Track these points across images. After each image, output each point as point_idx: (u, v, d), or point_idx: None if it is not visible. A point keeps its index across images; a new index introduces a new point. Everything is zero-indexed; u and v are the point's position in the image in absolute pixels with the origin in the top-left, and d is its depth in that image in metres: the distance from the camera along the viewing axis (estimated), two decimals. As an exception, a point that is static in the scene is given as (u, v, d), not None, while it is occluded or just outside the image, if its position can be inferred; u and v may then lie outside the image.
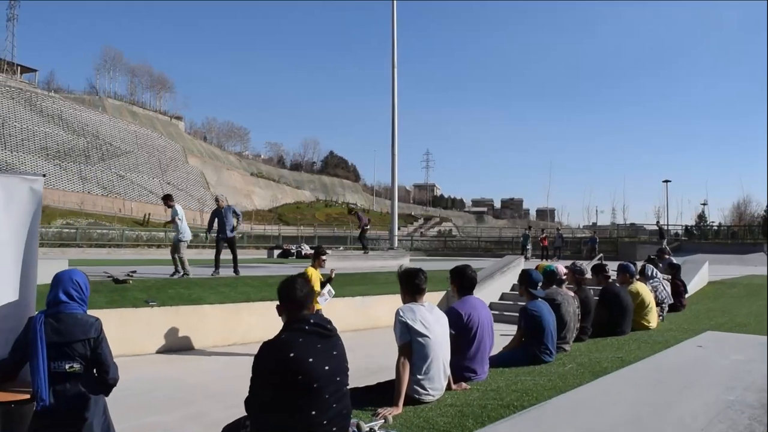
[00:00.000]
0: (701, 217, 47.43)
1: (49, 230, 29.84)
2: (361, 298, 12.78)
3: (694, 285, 12.33)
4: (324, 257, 9.78)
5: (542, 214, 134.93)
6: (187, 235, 12.86)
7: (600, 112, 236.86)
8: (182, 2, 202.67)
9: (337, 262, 19.34)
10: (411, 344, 3.92)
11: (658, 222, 39.11)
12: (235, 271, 13.74)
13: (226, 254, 13.98)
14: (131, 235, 31.70)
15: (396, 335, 4.01)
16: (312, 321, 3.10)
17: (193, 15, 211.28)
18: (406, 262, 21.17)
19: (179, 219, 12.73)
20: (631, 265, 7.65)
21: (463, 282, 4.73)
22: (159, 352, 9.74)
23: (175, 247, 12.95)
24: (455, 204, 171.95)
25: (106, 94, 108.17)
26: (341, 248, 37.22)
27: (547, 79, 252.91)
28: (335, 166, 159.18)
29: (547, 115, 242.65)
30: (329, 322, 3.22)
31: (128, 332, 9.55)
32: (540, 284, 5.37)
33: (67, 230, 31.54)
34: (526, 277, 5.42)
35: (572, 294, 6.44)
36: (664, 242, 30.02)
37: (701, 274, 12.90)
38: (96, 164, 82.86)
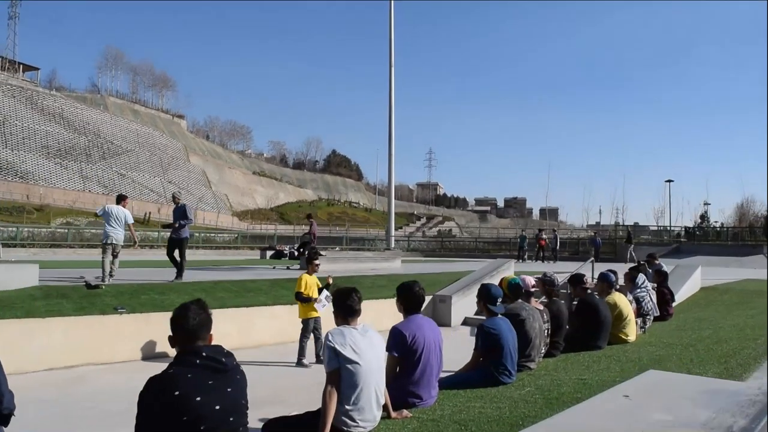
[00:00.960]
0: (703, 217, 46.82)
1: (42, 230, 29.61)
2: (342, 303, 12.39)
3: (685, 291, 11.95)
4: (317, 261, 9.48)
5: (545, 213, 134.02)
6: (106, 238, 12.43)
7: (601, 110, 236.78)
8: (184, 2, 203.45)
9: (325, 264, 18.96)
10: (339, 371, 3.59)
11: (627, 227, 38.38)
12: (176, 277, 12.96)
13: (212, 255, 13.65)
14: (126, 235, 31.37)
15: (324, 361, 3.68)
16: (204, 354, 2.76)
17: (194, 15, 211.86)
18: (398, 264, 20.85)
19: (102, 217, 12.50)
20: (611, 275, 7.26)
21: (409, 300, 4.40)
22: (128, 360, 9.41)
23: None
24: (458, 203, 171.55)
25: (108, 92, 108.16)
26: (337, 248, 36.91)
27: (549, 77, 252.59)
28: (338, 164, 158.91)
29: (550, 113, 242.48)
30: (227, 354, 2.88)
31: (96, 341, 9.24)
32: (500, 299, 5.01)
33: (60, 230, 31.23)
34: (484, 292, 5.07)
35: (542, 307, 6.09)
36: (631, 247, 29.45)
37: (693, 279, 12.50)
38: (97, 163, 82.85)
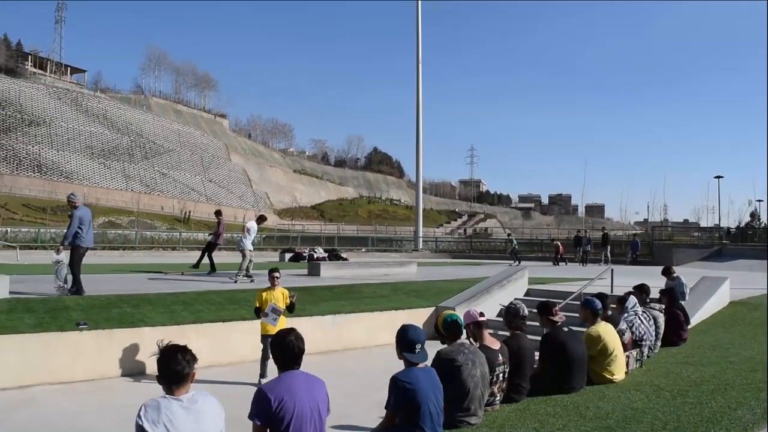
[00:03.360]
0: (753, 215, 43.91)
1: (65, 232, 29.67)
2: (332, 316, 11.63)
3: (710, 307, 10.62)
4: (276, 275, 8.94)
5: (591, 210, 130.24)
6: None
7: (645, 106, 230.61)
8: (225, 2, 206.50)
9: (334, 270, 18.22)
10: (147, 459, 2.74)
11: (603, 228, 36.95)
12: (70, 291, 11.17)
13: (234, 258, 12.55)
14: (147, 236, 31.38)
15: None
16: None
17: (236, 15, 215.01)
18: (413, 270, 19.87)
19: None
20: (596, 301, 6.15)
21: (281, 353, 3.51)
22: (87, 380, 8.85)
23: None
24: (501, 200, 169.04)
25: (151, 93, 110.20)
26: (363, 250, 36.09)
27: (596, 74, 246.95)
28: (379, 162, 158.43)
29: (594, 110, 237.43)
30: None
31: (51, 360, 8.72)
32: (419, 345, 4.05)
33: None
34: (399, 336, 4.12)
35: (498, 345, 5.10)
36: (607, 249, 28.14)
37: (720, 294, 11.11)
38: (139, 162, 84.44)
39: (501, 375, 5.00)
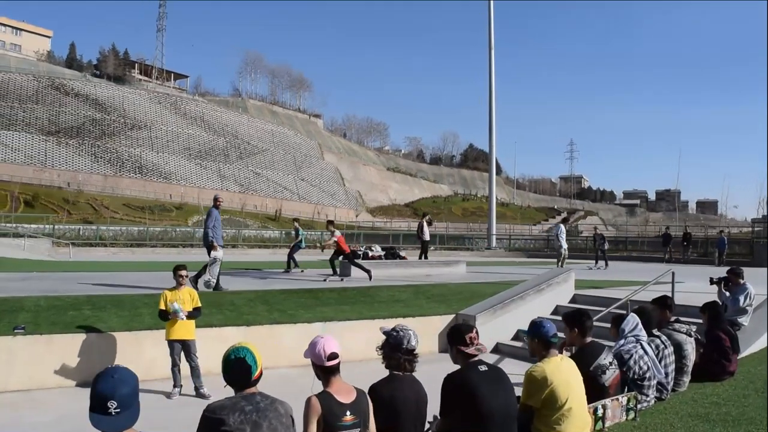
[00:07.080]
0: None
1: (133, 229, 30.23)
2: (323, 323, 10.11)
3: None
4: (182, 272, 8.01)
5: (704, 206, 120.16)
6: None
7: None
8: (319, 2, 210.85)
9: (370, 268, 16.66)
10: None
11: (686, 226, 33.11)
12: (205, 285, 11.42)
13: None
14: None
15: None
16: None
17: (329, 16, 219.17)
18: (461, 270, 17.98)
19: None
20: (548, 325, 4.12)
21: None
22: (22, 390, 7.96)
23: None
24: (604, 196, 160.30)
25: (248, 95, 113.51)
26: (431, 248, 34.19)
27: (699, 64, 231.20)
28: (475, 159, 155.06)
29: (698, 101, 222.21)
30: None
31: (-20, 366, 7.87)
32: (115, 404, 2.43)
33: (141, 229, 31.36)
34: (91, 388, 2.52)
35: (352, 397, 3.35)
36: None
37: (801, 309, 8.48)
38: (234, 162, 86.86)
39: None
